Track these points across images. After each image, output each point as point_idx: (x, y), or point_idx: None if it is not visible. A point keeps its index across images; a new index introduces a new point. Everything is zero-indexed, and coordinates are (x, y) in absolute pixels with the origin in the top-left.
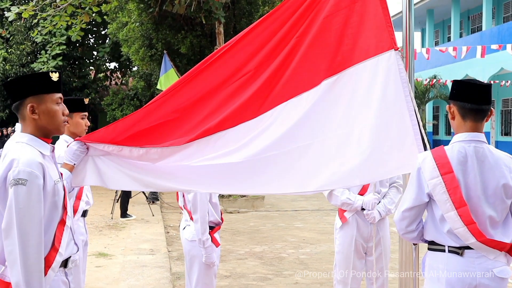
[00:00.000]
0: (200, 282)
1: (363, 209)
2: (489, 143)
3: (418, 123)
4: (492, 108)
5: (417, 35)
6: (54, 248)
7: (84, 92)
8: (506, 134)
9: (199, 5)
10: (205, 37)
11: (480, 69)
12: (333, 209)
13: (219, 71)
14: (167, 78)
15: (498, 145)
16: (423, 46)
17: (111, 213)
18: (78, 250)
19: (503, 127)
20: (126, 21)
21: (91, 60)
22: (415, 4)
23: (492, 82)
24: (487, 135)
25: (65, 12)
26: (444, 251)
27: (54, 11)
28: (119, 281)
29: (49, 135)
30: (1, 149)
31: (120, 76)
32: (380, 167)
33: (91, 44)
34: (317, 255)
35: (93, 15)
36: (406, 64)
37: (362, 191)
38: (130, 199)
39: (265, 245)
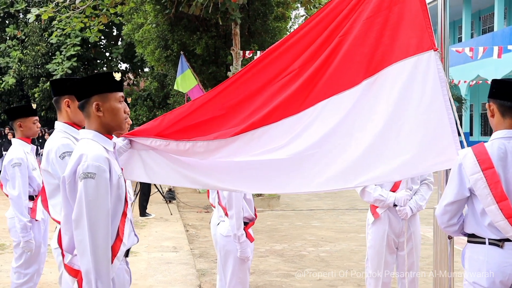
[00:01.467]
0: (235, 276)
1: (395, 205)
2: (468, 145)
3: (456, 121)
4: None
5: None
6: (119, 238)
7: None
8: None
9: (216, 6)
10: (220, 38)
11: (492, 69)
12: (348, 209)
13: (265, 71)
14: (184, 79)
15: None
16: None
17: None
18: (138, 241)
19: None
20: (141, 22)
21: (104, 61)
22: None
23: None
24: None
25: (84, 13)
26: (484, 243)
27: (73, 12)
28: (147, 277)
29: (111, 132)
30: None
31: (132, 77)
32: (419, 163)
33: (103, 45)
34: (337, 253)
35: (111, 16)
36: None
37: (394, 188)
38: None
39: (285, 243)
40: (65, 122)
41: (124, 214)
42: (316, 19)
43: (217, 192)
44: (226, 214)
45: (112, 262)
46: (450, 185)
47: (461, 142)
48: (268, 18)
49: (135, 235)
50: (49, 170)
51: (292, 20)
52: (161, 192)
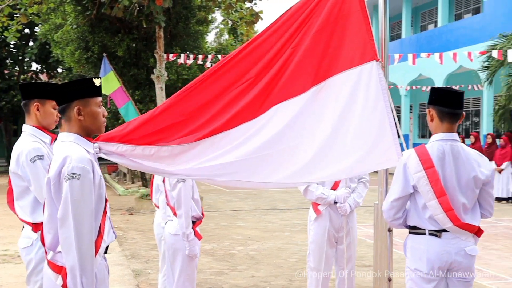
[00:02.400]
0: (183, 273)
1: (335, 202)
2: (407, 146)
3: (396, 125)
4: (463, 112)
5: None
6: (100, 236)
7: (9, 94)
8: (423, 137)
9: (139, 9)
10: (141, 40)
11: (400, 75)
12: (269, 209)
13: (223, 78)
14: (107, 81)
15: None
16: None
17: None
18: (116, 237)
19: (420, 130)
20: (60, 23)
21: (15, 61)
22: None
23: (413, 87)
24: (406, 137)
25: (2, 13)
26: (424, 234)
27: None
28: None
29: (91, 135)
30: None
31: (46, 78)
32: (363, 163)
33: (14, 44)
34: (265, 251)
35: (31, 16)
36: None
37: (334, 186)
38: None
39: (213, 243)
40: (33, 126)
41: (105, 212)
42: (269, 31)
43: (165, 193)
44: (175, 214)
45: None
46: (396, 182)
47: (401, 144)
48: (190, 21)
49: (114, 232)
50: (19, 173)
51: (215, 24)
52: None
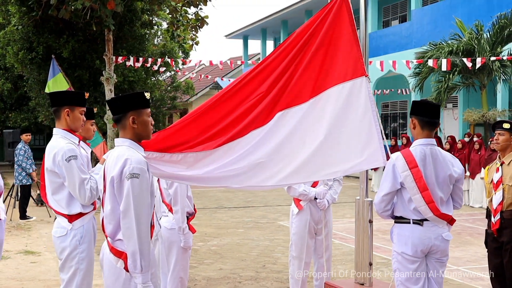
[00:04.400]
0: (178, 264)
1: (315, 198)
2: None
3: (381, 131)
4: (439, 122)
5: (270, 44)
6: (152, 226)
7: None
8: None
9: (90, 12)
10: (87, 42)
11: None
12: (217, 207)
13: (239, 93)
14: (55, 82)
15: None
16: None
17: (7, 215)
18: (160, 228)
19: None
20: (1, 22)
21: None
22: (269, 16)
23: None
24: None
25: None
26: (409, 223)
27: None
28: None
29: (141, 140)
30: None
31: None
32: (354, 163)
33: None
34: (226, 246)
35: None
36: None
37: (314, 184)
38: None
39: None
40: (64, 129)
41: (153, 206)
42: (278, 51)
43: (160, 191)
44: (170, 210)
45: None
46: (386, 180)
47: (385, 146)
48: (135, 24)
49: (159, 223)
50: (56, 171)
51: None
52: (32, 196)
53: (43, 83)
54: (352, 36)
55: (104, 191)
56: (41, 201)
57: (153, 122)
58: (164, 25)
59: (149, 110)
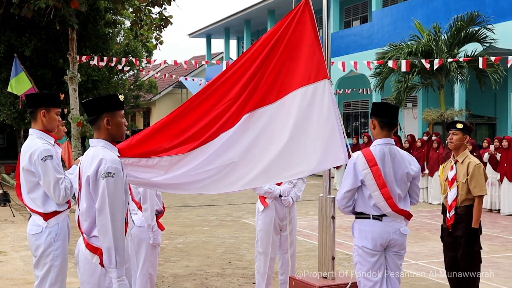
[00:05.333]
0: (147, 261)
1: (280, 196)
2: None
3: (343, 132)
4: (398, 122)
5: (233, 43)
6: (126, 223)
7: None
8: None
9: (53, 11)
10: (49, 41)
11: None
12: (182, 206)
13: (210, 99)
14: (18, 82)
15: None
16: (238, 54)
17: None
18: (134, 225)
19: None
20: None
21: None
22: (232, 15)
23: None
24: None
25: None
26: (369, 218)
27: None
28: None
29: (115, 141)
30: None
31: None
32: (319, 162)
33: None
34: (192, 244)
35: None
36: None
37: (279, 182)
38: None
39: None
40: (40, 129)
41: (128, 204)
42: (245, 57)
43: (130, 189)
44: (140, 208)
45: None
46: (347, 178)
47: (347, 145)
48: (99, 23)
49: (132, 220)
50: (32, 170)
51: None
52: None
53: (5, 82)
54: (315, 41)
55: (80, 189)
56: (4, 201)
57: (126, 124)
58: (127, 23)
59: (123, 111)
